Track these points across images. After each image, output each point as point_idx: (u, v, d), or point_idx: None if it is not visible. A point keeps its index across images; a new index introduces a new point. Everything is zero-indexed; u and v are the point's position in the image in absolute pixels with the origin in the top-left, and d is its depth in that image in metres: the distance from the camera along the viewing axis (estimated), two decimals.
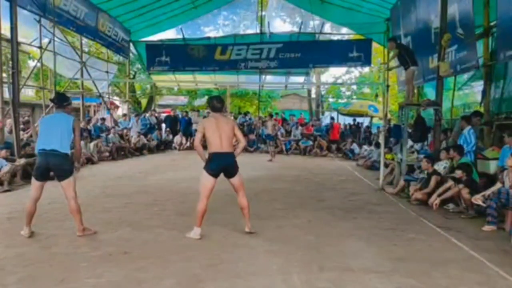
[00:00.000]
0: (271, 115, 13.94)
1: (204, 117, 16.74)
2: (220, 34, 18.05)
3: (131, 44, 17.43)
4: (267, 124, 12.96)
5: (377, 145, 11.45)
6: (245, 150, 15.12)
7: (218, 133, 4.13)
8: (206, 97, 25.08)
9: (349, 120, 18.28)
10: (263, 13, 17.48)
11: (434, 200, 5.77)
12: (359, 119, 17.84)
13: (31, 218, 4.24)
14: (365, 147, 12.97)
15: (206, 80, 19.75)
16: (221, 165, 4.19)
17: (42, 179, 4.21)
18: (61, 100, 4.43)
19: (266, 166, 10.74)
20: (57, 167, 4.12)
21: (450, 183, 5.81)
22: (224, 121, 4.26)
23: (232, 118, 17.89)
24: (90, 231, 4.32)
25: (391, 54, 8.31)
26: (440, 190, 5.84)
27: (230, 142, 4.22)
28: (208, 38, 17.55)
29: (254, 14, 17.62)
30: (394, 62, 9.05)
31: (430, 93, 11.98)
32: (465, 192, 5.40)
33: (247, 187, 7.45)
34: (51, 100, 4.56)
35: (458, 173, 5.71)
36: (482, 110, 8.53)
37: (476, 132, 7.07)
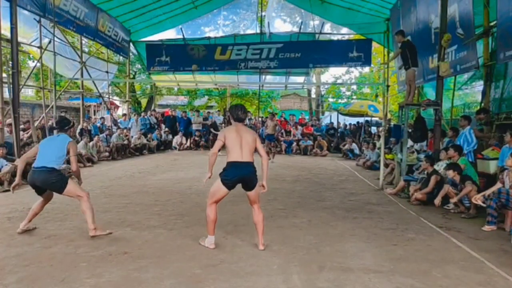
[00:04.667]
0: (273, 114, 13.59)
1: (205, 118, 16.77)
2: (220, 34, 18.03)
3: (131, 44, 17.43)
4: (268, 124, 12.76)
5: (374, 145, 11.48)
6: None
7: (239, 142, 3.89)
8: (207, 97, 25.19)
9: (350, 120, 18.27)
10: (263, 13, 17.49)
11: (438, 202, 5.76)
12: (359, 119, 17.83)
13: (33, 216, 4.35)
14: (364, 149, 12.94)
15: (206, 80, 19.74)
16: (238, 175, 3.88)
17: (40, 194, 4.33)
18: (63, 125, 4.56)
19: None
20: (44, 183, 4.15)
21: (446, 187, 5.80)
22: (246, 131, 4.05)
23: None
24: (105, 230, 4.31)
25: (391, 54, 8.30)
26: (442, 192, 5.82)
27: (251, 153, 3.97)
28: (208, 38, 17.55)
29: (254, 14, 17.61)
30: (396, 62, 9.03)
31: (430, 93, 11.98)
32: (474, 191, 5.39)
33: None
34: (54, 128, 4.74)
35: (449, 173, 5.73)
36: (481, 108, 8.53)
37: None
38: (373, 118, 18.03)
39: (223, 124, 17.35)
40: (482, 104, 8.67)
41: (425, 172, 6.56)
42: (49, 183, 4.13)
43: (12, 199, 6.12)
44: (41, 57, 11.14)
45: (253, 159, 3.98)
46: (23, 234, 4.28)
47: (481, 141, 7.45)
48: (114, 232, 4.39)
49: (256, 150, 4.05)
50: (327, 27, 18.87)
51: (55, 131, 4.55)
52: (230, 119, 4.16)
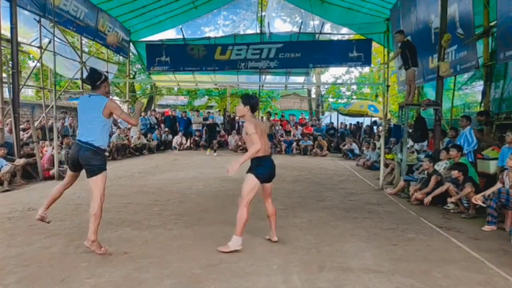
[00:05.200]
0: (269, 114, 13.25)
1: (205, 118, 16.75)
2: (220, 34, 18.03)
3: (131, 44, 17.43)
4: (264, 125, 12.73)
5: (374, 146, 11.47)
6: (246, 150, 15.12)
7: (264, 136, 3.73)
8: (207, 97, 25.20)
9: (350, 120, 18.27)
10: (263, 13, 17.49)
11: (428, 201, 5.82)
12: (359, 119, 17.84)
13: (51, 202, 3.92)
14: (364, 150, 12.93)
15: (206, 80, 19.74)
16: (271, 169, 3.83)
17: (74, 170, 3.79)
18: (93, 80, 3.75)
19: None
20: (85, 161, 3.60)
21: (447, 185, 5.81)
22: (261, 122, 3.94)
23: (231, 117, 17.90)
24: (100, 248, 3.66)
25: (391, 54, 8.30)
26: (437, 191, 5.84)
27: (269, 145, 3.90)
28: (208, 38, 17.55)
29: (254, 14, 17.61)
30: (396, 62, 9.02)
31: (430, 93, 11.98)
32: (473, 192, 5.40)
33: None
34: (83, 81, 3.82)
35: (454, 173, 5.72)
36: (482, 110, 8.53)
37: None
38: (372, 118, 18.04)
39: (223, 124, 17.39)
40: (482, 104, 8.67)
41: (425, 172, 6.55)
42: (89, 164, 3.60)
43: (12, 199, 6.12)
44: (41, 57, 11.13)
45: None
46: (23, 234, 4.28)
47: (482, 143, 7.45)
48: (114, 232, 4.38)
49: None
50: (327, 27, 18.88)
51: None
52: (244, 111, 3.82)
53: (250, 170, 3.81)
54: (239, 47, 16.38)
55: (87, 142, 3.57)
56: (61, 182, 3.97)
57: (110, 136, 12.75)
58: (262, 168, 3.77)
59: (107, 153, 11.67)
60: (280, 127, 16.53)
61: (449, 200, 5.74)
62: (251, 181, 3.76)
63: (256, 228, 4.68)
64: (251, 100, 3.83)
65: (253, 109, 3.86)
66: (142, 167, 10.23)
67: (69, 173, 3.89)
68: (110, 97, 4.82)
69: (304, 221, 5.07)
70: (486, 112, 7.88)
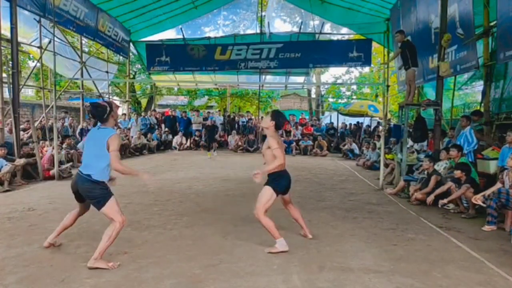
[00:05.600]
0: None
1: (205, 118, 16.75)
2: (220, 34, 18.05)
3: (131, 44, 17.44)
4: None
5: (374, 146, 11.47)
6: (246, 150, 15.16)
7: (283, 150, 3.89)
8: (207, 97, 25.20)
9: (350, 120, 18.27)
10: (263, 13, 17.49)
11: (430, 200, 5.80)
12: (359, 119, 17.84)
13: (62, 230, 3.81)
14: (364, 150, 12.93)
15: (206, 80, 19.75)
16: (288, 182, 4.06)
17: (79, 201, 3.71)
18: (99, 115, 3.54)
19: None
20: (85, 193, 3.48)
21: (449, 184, 5.81)
22: (280, 137, 4.14)
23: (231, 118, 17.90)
24: (104, 264, 3.40)
25: (391, 54, 8.31)
26: (438, 191, 5.84)
27: None
28: (208, 38, 17.56)
29: (254, 14, 17.62)
30: (396, 62, 9.02)
31: (430, 93, 11.99)
32: (469, 192, 5.41)
33: (247, 187, 7.48)
34: (92, 117, 3.62)
35: (457, 173, 5.71)
36: (482, 110, 8.53)
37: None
38: (373, 119, 18.04)
39: (223, 125, 17.38)
40: (482, 104, 8.68)
41: (425, 172, 6.55)
42: (91, 197, 3.46)
43: (12, 199, 6.12)
44: (41, 57, 11.14)
45: None
46: (23, 234, 4.28)
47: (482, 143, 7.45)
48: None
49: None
50: (327, 27, 18.89)
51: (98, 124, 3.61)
52: (270, 124, 3.95)
53: (268, 183, 3.90)
54: (239, 47, 16.39)
55: (87, 175, 3.45)
56: (73, 211, 3.83)
57: None
58: (280, 182, 3.93)
59: None
60: None
61: (440, 202, 5.71)
62: (269, 193, 3.87)
63: (256, 228, 4.68)
64: (279, 118, 3.98)
65: (278, 126, 3.98)
66: (142, 167, 10.23)
67: (77, 203, 3.79)
68: (115, 105, 4.57)
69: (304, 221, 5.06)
70: (479, 112, 7.87)
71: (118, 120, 15.93)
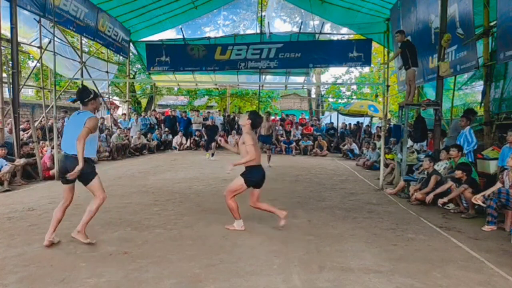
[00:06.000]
0: (268, 114, 11.90)
1: (205, 118, 16.75)
2: (220, 34, 18.05)
3: (131, 44, 17.43)
4: (262, 125, 11.23)
5: (374, 146, 11.47)
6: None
7: (257, 147, 4.32)
8: (207, 97, 25.20)
9: (350, 120, 18.28)
10: (263, 13, 17.49)
11: (430, 198, 5.81)
12: (359, 119, 17.85)
13: (56, 224, 3.93)
14: (364, 149, 12.92)
15: (206, 80, 19.75)
16: (260, 177, 4.45)
17: (67, 182, 3.90)
18: (82, 97, 3.95)
19: (265, 166, 10.72)
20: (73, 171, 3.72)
21: (449, 183, 5.81)
22: (255, 135, 4.55)
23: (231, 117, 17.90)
24: (84, 238, 3.90)
25: (391, 54, 8.31)
26: (438, 190, 5.85)
27: None
28: (208, 38, 17.56)
29: (254, 14, 17.63)
30: (396, 62, 9.01)
31: (430, 93, 11.99)
32: (468, 192, 5.41)
33: None
34: (75, 100, 4.08)
35: (458, 173, 5.71)
36: (482, 110, 8.53)
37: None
38: (373, 123, 18.03)
39: (223, 124, 17.38)
40: (482, 104, 8.67)
41: (425, 172, 6.55)
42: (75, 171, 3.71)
43: (12, 199, 6.12)
44: (41, 57, 11.14)
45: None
46: (23, 234, 4.27)
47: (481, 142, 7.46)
48: (114, 232, 4.38)
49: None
50: (327, 27, 18.90)
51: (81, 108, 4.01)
52: (247, 122, 4.41)
53: (242, 174, 4.43)
54: (239, 47, 16.38)
55: (74, 154, 3.72)
56: (60, 204, 4.01)
57: (110, 136, 12.76)
58: (253, 175, 4.38)
59: (107, 153, 11.72)
60: (281, 127, 16.54)
61: (440, 201, 5.72)
62: (239, 182, 4.41)
63: (256, 228, 4.69)
64: (256, 118, 4.45)
65: (254, 125, 4.44)
66: (142, 167, 10.23)
67: (64, 188, 3.96)
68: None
69: (304, 221, 5.07)
70: (471, 111, 7.86)
71: (118, 120, 15.96)
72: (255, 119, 4.43)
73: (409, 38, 11.99)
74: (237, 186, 4.41)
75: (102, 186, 3.96)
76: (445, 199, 5.67)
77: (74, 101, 4.17)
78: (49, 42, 11.32)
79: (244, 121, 4.45)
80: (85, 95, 3.97)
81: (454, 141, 7.64)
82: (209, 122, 15.12)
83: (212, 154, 12.68)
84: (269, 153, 10.50)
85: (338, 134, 16.83)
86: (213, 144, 12.74)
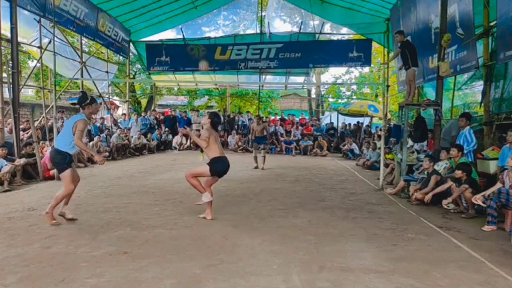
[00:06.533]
0: (259, 117, 11.32)
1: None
2: (220, 34, 18.05)
3: (131, 44, 17.44)
4: (254, 128, 10.78)
5: (375, 146, 11.47)
6: (246, 150, 15.15)
7: (216, 142, 5.02)
8: (207, 97, 25.19)
9: (350, 120, 18.27)
10: (263, 13, 17.49)
11: (428, 198, 5.83)
12: (359, 119, 17.85)
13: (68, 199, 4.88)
14: (364, 149, 12.92)
15: (206, 80, 19.75)
16: (222, 168, 5.01)
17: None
18: (80, 101, 4.71)
19: (259, 169, 10.69)
20: (51, 160, 4.81)
21: (449, 183, 5.81)
22: (217, 134, 5.19)
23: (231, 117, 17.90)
24: (51, 220, 4.59)
25: (391, 54, 8.30)
26: (437, 190, 5.85)
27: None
28: (208, 38, 17.56)
29: (254, 14, 17.62)
30: (396, 62, 9.00)
31: (430, 93, 11.99)
32: (468, 192, 5.41)
33: (247, 187, 7.49)
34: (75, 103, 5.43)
35: (458, 173, 5.71)
36: (482, 110, 8.53)
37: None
38: (373, 123, 18.02)
39: (222, 124, 17.38)
40: (482, 104, 8.68)
41: (425, 172, 6.55)
42: (53, 162, 4.87)
43: (12, 199, 6.12)
44: (41, 57, 11.14)
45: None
46: (23, 234, 4.27)
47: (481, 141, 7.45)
48: (114, 232, 4.38)
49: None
50: (327, 27, 18.89)
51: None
52: (207, 122, 5.16)
53: (208, 163, 4.99)
54: (239, 47, 16.38)
55: (55, 147, 4.72)
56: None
57: (110, 136, 12.75)
58: (216, 165, 4.96)
59: (107, 153, 11.73)
60: (281, 127, 16.54)
61: (444, 202, 5.72)
62: (204, 169, 4.97)
63: (256, 228, 4.69)
64: (215, 119, 5.18)
65: (213, 125, 5.13)
66: (142, 167, 10.23)
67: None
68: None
69: (304, 221, 5.07)
70: (467, 114, 7.84)
71: (118, 120, 15.95)
72: (214, 119, 5.15)
73: (409, 38, 12.01)
74: (200, 170, 5.01)
75: (72, 179, 4.65)
76: (449, 199, 5.66)
77: (74, 104, 5.00)
78: (49, 42, 11.32)
79: (205, 120, 5.26)
80: (82, 100, 4.67)
81: (447, 143, 7.68)
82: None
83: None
84: (264, 154, 10.32)
85: (338, 134, 16.83)
86: None
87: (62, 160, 4.61)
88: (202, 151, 13.17)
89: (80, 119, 4.54)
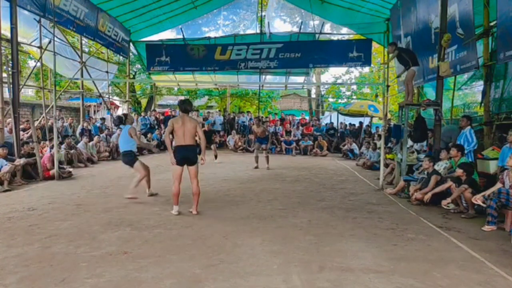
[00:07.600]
0: (258, 119, 11.11)
1: (205, 118, 16.76)
2: (220, 34, 18.05)
3: (131, 44, 17.43)
4: (254, 130, 10.80)
5: (375, 146, 11.47)
6: (246, 150, 15.16)
7: (181, 129, 5.16)
8: (207, 97, 25.20)
9: (350, 120, 18.27)
10: (263, 13, 17.49)
11: (428, 197, 5.84)
12: (359, 119, 17.85)
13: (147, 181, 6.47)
14: (364, 149, 12.91)
15: (206, 80, 19.75)
16: (181, 154, 5.23)
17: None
18: (121, 121, 6.75)
19: (264, 168, 10.71)
20: (124, 160, 6.37)
21: (449, 183, 5.81)
22: (189, 120, 5.23)
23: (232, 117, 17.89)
24: (133, 195, 6.11)
25: (390, 55, 8.31)
26: (437, 189, 5.85)
27: (192, 137, 5.27)
28: (208, 38, 17.56)
29: (254, 14, 17.62)
30: (396, 70, 9.00)
31: (430, 93, 12.00)
32: (468, 192, 5.41)
33: (247, 187, 7.49)
34: (115, 124, 7.43)
35: (459, 172, 5.71)
36: (482, 110, 8.54)
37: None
38: (373, 123, 18.01)
39: (222, 124, 17.39)
40: (482, 104, 8.68)
41: (425, 172, 6.55)
42: (125, 162, 6.32)
43: (12, 199, 6.12)
44: (41, 57, 11.14)
45: (194, 142, 5.34)
46: (23, 234, 4.28)
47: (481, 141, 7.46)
48: (114, 232, 4.38)
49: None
50: (327, 27, 18.88)
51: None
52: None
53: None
54: (239, 47, 16.38)
55: (124, 150, 6.35)
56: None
57: (110, 136, 12.76)
58: (175, 154, 5.25)
59: (107, 153, 11.73)
60: (281, 127, 16.54)
61: (443, 202, 5.72)
62: (172, 168, 5.34)
63: (256, 228, 4.69)
64: (182, 105, 5.34)
65: (182, 110, 5.31)
66: None
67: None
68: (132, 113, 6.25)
69: (304, 221, 5.07)
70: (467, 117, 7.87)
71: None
72: (181, 106, 5.34)
73: (409, 38, 12.04)
74: (172, 171, 5.44)
75: (142, 166, 6.28)
76: (449, 200, 5.66)
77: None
78: (49, 42, 11.32)
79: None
80: (121, 120, 6.77)
81: (443, 143, 7.69)
82: (205, 128, 14.92)
83: (215, 157, 12.29)
84: (266, 154, 10.36)
85: (338, 134, 16.83)
86: (213, 146, 12.43)
87: (131, 157, 6.22)
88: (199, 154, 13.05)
89: (130, 127, 6.30)
